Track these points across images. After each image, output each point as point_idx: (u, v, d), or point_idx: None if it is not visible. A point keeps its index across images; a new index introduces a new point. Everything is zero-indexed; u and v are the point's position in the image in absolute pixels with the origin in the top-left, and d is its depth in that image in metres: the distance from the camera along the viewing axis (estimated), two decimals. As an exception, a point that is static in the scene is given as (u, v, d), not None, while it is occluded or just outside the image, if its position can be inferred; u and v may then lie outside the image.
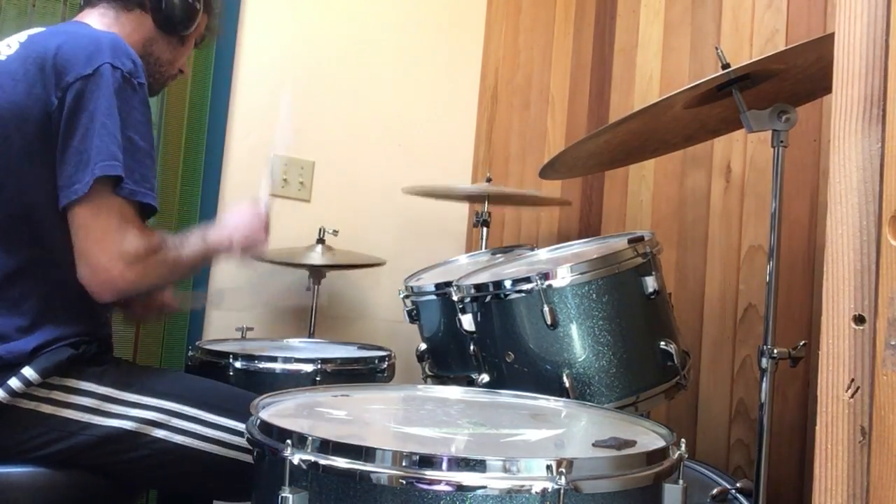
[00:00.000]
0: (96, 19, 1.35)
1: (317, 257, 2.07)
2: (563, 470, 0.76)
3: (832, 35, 0.79)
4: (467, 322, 1.34)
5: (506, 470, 0.77)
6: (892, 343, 0.69)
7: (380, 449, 0.79)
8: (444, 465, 0.77)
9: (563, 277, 1.27)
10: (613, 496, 0.81)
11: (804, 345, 1.24)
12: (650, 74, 2.05)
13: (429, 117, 2.63)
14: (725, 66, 1.21)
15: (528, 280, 1.27)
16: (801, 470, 1.55)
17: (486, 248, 2.06)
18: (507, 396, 1.22)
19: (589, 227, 2.19)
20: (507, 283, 1.30)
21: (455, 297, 1.37)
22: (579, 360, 1.27)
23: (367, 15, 2.53)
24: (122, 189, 1.17)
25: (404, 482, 0.77)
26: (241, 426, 1.23)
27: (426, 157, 2.61)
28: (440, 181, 2.45)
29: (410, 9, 2.61)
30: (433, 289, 1.54)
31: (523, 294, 1.28)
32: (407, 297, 1.62)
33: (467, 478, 0.77)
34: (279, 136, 1.53)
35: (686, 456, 0.88)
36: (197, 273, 2.08)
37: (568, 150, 1.50)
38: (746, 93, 1.26)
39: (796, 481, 1.56)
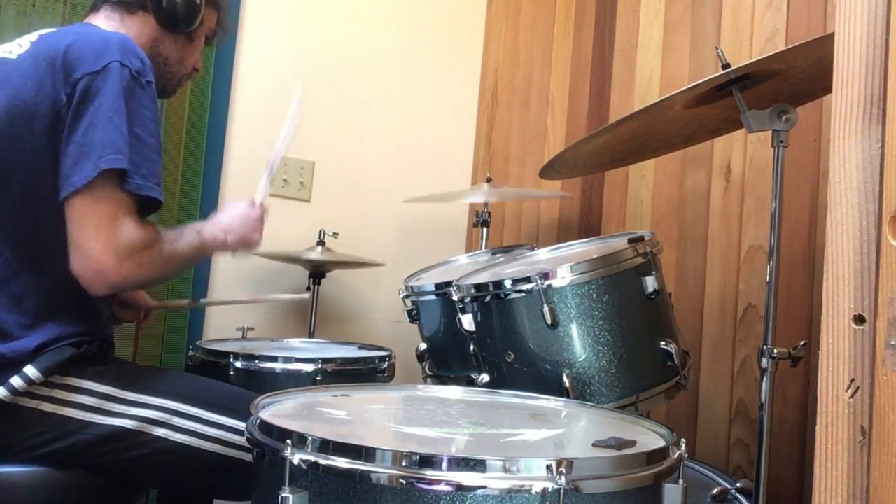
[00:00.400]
0: (102, 23, 1.36)
1: (317, 258, 2.07)
2: (563, 470, 0.76)
3: (832, 35, 0.79)
4: (467, 322, 1.34)
5: (506, 470, 0.77)
6: (892, 343, 0.69)
7: (380, 449, 0.79)
8: (444, 465, 0.77)
9: (563, 277, 1.27)
10: (613, 496, 0.81)
11: (804, 345, 1.24)
12: (650, 74, 2.05)
13: (429, 117, 2.63)
14: (725, 66, 1.21)
15: (528, 280, 1.27)
16: (801, 470, 1.55)
17: (486, 247, 2.06)
18: (507, 396, 1.22)
19: (589, 228, 2.19)
20: (507, 283, 1.30)
21: (455, 297, 1.37)
22: (579, 360, 1.27)
23: (367, 15, 2.53)
24: (129, 183, 1.17)
25: (404, 482, 0.77)
26: (241, 425, 1.23)
27: (426, 156, 2.61)
28: (440, 181, 2.46)
29: (410, 9, 2.61)
30: (433, 289, 1.54)
31: (523, 294, 1.28)
32: (407, 296, 1.62)
33: (467, 478, 0.77)
34: (282, 139, 1.52)
35: (686, 456, 0.88)
36: (190, 268, 2.08)
37: (568, 150, 1.50)
38: (746, 93, 1.26)
39: (796, 481, 1.56)
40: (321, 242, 2.12)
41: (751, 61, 1.18)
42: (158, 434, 1.22)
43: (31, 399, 1.17)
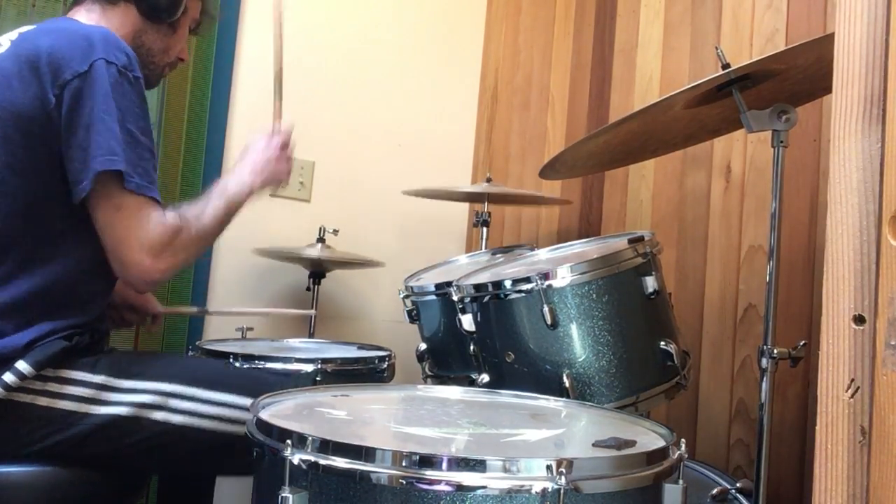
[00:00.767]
0: (83, 16, 1.35)
1: (316, 255, 2.07)
2: (563, 470, 0.76)
3: (832, 35, 0.79)
4: (467, 322, 1.34)
5: (506, 470, 0.77)
6: (892, 343, 0.69)
7: (380, 449, 0.79)
8: (444, 465, 0.77)
9: (563, 277, 1.27)
10: (613, 496, 0.81)
11: (804, 345, 1.24)
12: (650, 74, 2.05)
13: (429, 117, 2.63)
14: (725, 66, 1.21)
15: (528, 280, 1.27)
16: (801, 470, 1.55)
17: (486, 248, 2.06)
18: (507, 396, 1.22)
19: (589, 227, 2.19)
20: (507, 283, 1.30)
21: (455, 297, 1.37)
22: (579, 360, 1.27)
23: (367, 15, 2.53)
24: (129, 183, 1.17)
25: (404, 482, 0.77)
26: (238, 400, 1.25)
27: (426, 156, 2.61)
28: (440, 181, 2.45)
29: (410, 9, 2.61)
30: (433, 289, 1.54)
31: (523, 294, 1.28)
32: (407, 297, 1.62)
33: (467, 478, 0.77)
34: (277, 47, 1.50)
35: (686, 456, 0.88)
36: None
37: (568, 150, 1.50)
38: (746, 93, 1.26)
39: (796, 481, 1.56)
40: (321, 239, 2.12)
41: (751, 61, 1.18)
42: (157, 418, 1.22)
43: (25, 394, 1.17)
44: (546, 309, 1.25)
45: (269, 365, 1.57)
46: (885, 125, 0.72)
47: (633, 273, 1.31)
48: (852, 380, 0.73)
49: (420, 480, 0.77)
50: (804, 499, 1.53)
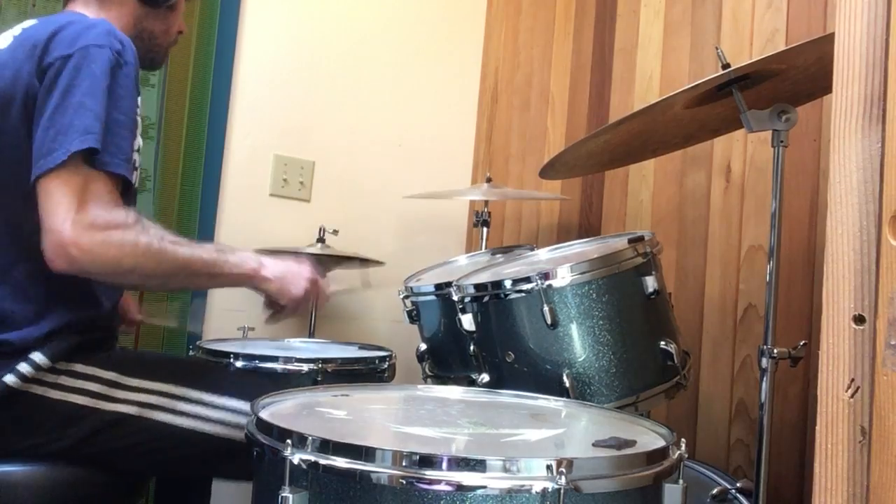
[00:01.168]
0: (81, 10, 1.35)
1: (316, 254, 2.07)
2: (563, 470, 0.76)
3: (832, 35, 0.79)
4: (467, 322, 1.34)
5: (506, 470, 0.77)
6: (892, 343, 0.69)
7: (380, 449, 0.79)
8: (444, 465, 0.77)
9: (563, 277, 1.27)
10: (613, 496, 0.81)
11: (804, 345, 1.24)
12: (650, 74, 2.05)
13: (429, 117, 2.63)
14: (725, 66, 1.21)
15: (528, 280, 1.27)
16: (801, 470, 1.55)
17: (486, 248, 2.06)
18: (507, 396, 1.22)
19: (589, 227, 2.19)
20: (507, 283, 1.30)
21: (455, 297, 1.37)
22: (579, 359, 1.27)
23: (367, 15, 2.53)
24: (96, 161, 1.15)
25: (404, 482, 0.77)
26: (243, 405, 1.24)
27: (426, 156, 2.61)
28: (440, 181, 2.46)
29: (410, 9, 2.61)
30: (433, 289, 1.54)
31: (523, 294, 1.28)
32: (407, 297, 1.62)
33: (467, 478, 0.77)
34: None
35: (686, 456, 0.88)
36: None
37: (568, 150, 1.49)
38: (746, 93, 1.26)
39: (796, 481, 1.56)
40: (321, 240, 2.12)
41: (751, 61, 1.18)
42: (160, 420, 1.23)
43: (38, 386, 1.18)
44: (546, 309, 1.25)
45: (270, 365, 1.57)
46: (885, 125, 0.72)
47: (633, 273, 1.31)
48: (852, 380, 0.73)
49: (420, 480, 0.77)
50: (804, 499, 1.53)
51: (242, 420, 1.24)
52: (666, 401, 1.38)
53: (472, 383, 1.38)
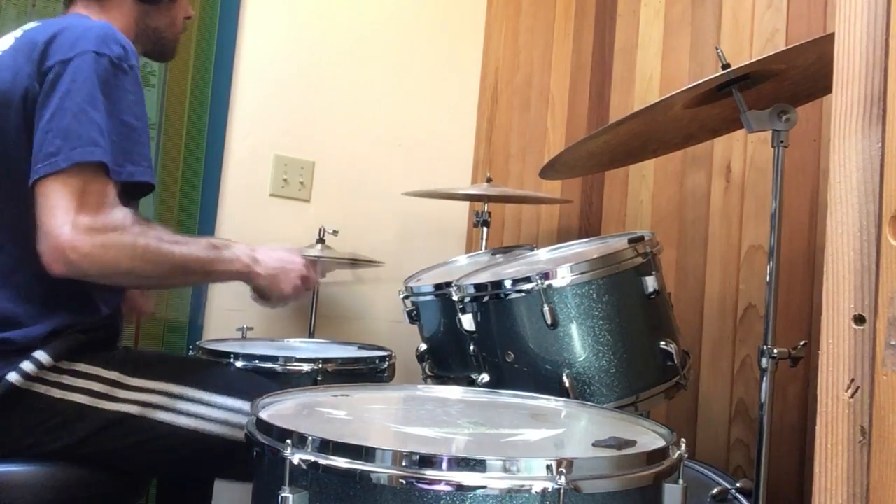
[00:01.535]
0: (83, 12, 1.35)
1: (316, 255, 2.07)
2: (563, 470, 0.76)
3: (832, 35, 0.79)
4: (467, 322, 1.34)
5: (506, 470, 0.77)
6: (892, 343, 0.69)
7: (380, 449, 0.79)
8: (444, 465, 0.77)
9: (563, 277, 1.27)
10: (613, 496, 0.81)
11: (804, 345, 1.24)
12: (650, 74, 2.05)
13: (429, 117, 2.63)
14: (725, 66, 1.21)
15: (528, 280, 1.27)
16: (801, 470, 1.55)
17: (486, 248, 2.06)
18: (507, 396, 1.22)
19: (589, 227, 2.19)
20: (507, 283, 1.30)
21: (455, 297, 1.37)
22: (579, 360, 1.27)
23: (367, 15, 2.53)
24: (119, 173, 1.15)
25: (404, 482, 0.77)
26: (243, 405, 1.24)
27: (426, 157, 2.61)
28: (440, 181, 2.46)
29: (410, 9, 2.61)
30: (433, 289, 1.54)
31: (523, 294, 1.28)
32: (407, 297, 1.62)
33: (467, 478, 0.77)
34: None
35: (686, 456, 0.88)
36: (197, 283, 2.05)
37: (568, 150, 1.50)
38: (746, 93, 1.26)
39: (796, 481, 1.56)
40: (321, 240, 2.12)
41: (751, 61, 1.18)
42: (163, 419, 1.23)
43: (40, 385, 1.18)
44: (546, 309, 1.25)
45: (269, 365, 1.57)
46: (885, 125, 0.72)
47: (633, 273, 1.31)
48: (852, 380, 0.73)
49: (420, 480, 0.77)
50: (804, 499, 1.53)
51: (244, 420, 1.24)
52: (666, 401, 1.38)
53: (472, 383, 1.38)
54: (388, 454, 0.79)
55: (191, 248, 1.24)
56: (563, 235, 2.29)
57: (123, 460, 1.25)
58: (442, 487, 0.76)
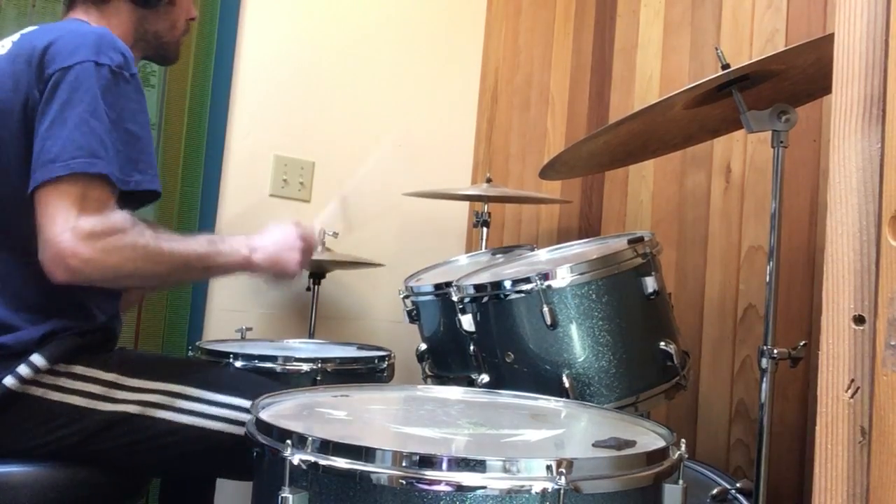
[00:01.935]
0: (82, 17, 1.35)
1: (316, 257, 2.07)
2: (563, 470, 0.76)
3: (832, 35, 0.79)
4: (467, 322, 1.34)
5: (506, 470, 0.77)
6: (892, 343, 0.69)
7: (380, 449, 0.79)
8: (444, 466, 0.77)
9: (563, 278, 1.26)
10: (613, 496, 0.81)
11: (804, 345, 1.24)
12: (650, 74, 2.05)
13: (429, 117, 2.63)
14: (725, 66, 1.21)
15: (527, 280, 1.27)
16: (801, 470, 1.55)
17: (486, 248, 2.06)
18: (507, 396, 1.22)
19: (589, 228, 2.19)
20: (507, 284, 1.30)
21: (455, 298, 1.37)
22: (579, 360, 1.27)
23: (367, 15, 2.53)
24: (126, 182, 1.16)
25: (404, 482, 0.77)
26: (243, 403, 1.24)
27: (426, 157, 2.61)
28: (440, 181, 2.45)
29: (410, 9, 2.61)
30: (433, 289, 1.54)
31: (523, 294, 1.28)
32: (407, 297, 1.62)
33: (467, 478, 0.77)
34: (362, 174, 1.45)
35: (686, 456, 0.88)
36: (197, 279, 2.05)
37: (568, 150, 1.50)
38: (746, 93, 1.26)
39: (796, 481, 1.56)
40: (321, 241, 2.12)
41: (751, 61, 1.18)
42: (163, 417, 1.23)
43: (37, 388, 1.17)
44: (546, 309, 1.25)
45: (269, 365, 1.57)
46: (885, 125, 0.72)
47: (632, 273, 1.31)
48: (852, 380, 0.73)
49: (420, 481, 0.77)
50: (804, 499, 1.53)
51: (244, 417, 1.24)
52: (666, 401, 1.38)
53: (472, 383, 1.38)
54: (388, 454, 0.79)
55: (189, 244, 1.24)
56: (562, 236, 2.29)
57: (124, 460, 1.25)
58: (442, 488, 0.76)
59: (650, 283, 1.30)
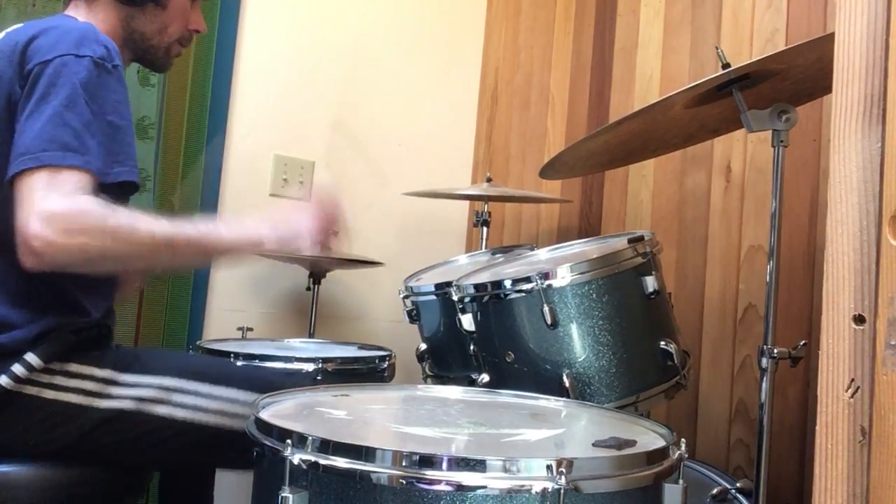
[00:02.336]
0: (72, 13, 1.35)
1: (316, 258, 2.07)
2: (563, 470, 0.76)
3: (832, 35, 0.79)
4: (467, 322, 1.34)
5: (506, 470, 0.77)
6: (892, 343, 0.69)
7: (380, 449, 0.79)
8: (444, 465, 0.77)
9: (563, 277, 1.27)
10: (613, 496, 0.81)
11: (804, 345, 1.24)
12: (650, 74, 2.05)
13: (429, 117, 2.63)
14: (725, 65, 1.21)
15: (528, 280, 1.27)
16: (801, 470, 1.55)
17: (486, 247, 2.06)
18: (507, 396, 1.22)
19: (589, 227, 2.19)
20: (507, 283, 1.30)
21: (455, 297, 1.37)
22: (579, 359, 1.27)
23: (367, 15, 2.53)
24: (106, 175, 1.15)
25: (404, 482, 0.77)
26: (240, 395, 1.24)
27: (426, 156, 2.61)
28: (440, 181, 2.45)
29: (410, 9, 2.61)
30: (433, 289, 1.54)
31: (523, 294, 1.28)
32: (407, 297, 1.62)
33: (467, 478, 0.77)
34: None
35: (686, 456, 0.88)
36: (191, 264, 2.00)
37: (568, 150, 1.50)
38: (746, 93, 1.26)
39: (796, 481, 1.56)
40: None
41: (751, 61, 1.18)
42: (159, 412, 1.22)
43: (32, 386, 1.17)
44: (546, 309, 1.25)
45: (270, 364, 1.57)
46: (885, 125, 0.72)
47: (633, 273, 1.31)
48: (852, 380, 0.73)
49: (420, 480, 0.77)
50: (804, 499, 1.53)
51: (241, 409, 1.24)
52: (666, 401, 1.38)
53: (472, 383, 1.38)
54: (388, 454, 0.79)
55: (178, 227, 1.19)
56: (563, 235, 2.29)
57: (122, 456, 1.25)
58: (442, 487, 0.77)
59: (650, 283, 1.30)
